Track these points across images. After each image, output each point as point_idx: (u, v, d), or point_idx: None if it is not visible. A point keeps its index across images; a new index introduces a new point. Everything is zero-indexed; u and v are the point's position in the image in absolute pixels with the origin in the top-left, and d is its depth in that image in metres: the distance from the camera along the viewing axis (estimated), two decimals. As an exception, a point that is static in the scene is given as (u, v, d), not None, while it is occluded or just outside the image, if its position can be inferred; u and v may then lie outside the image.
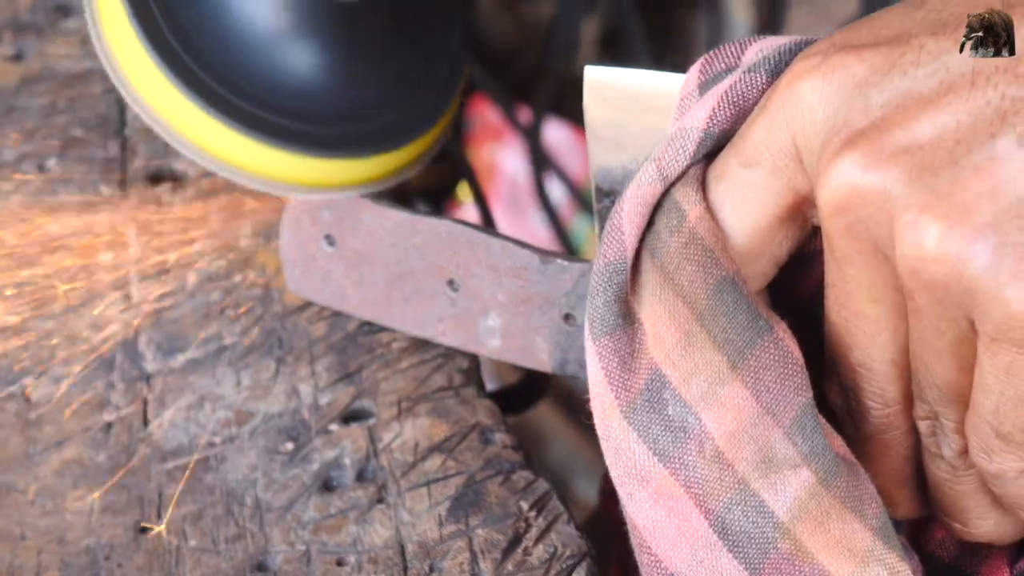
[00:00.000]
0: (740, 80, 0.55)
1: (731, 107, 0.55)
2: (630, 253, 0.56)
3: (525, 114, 1.60)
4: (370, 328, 0.73)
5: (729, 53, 0.58)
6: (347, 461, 0.69)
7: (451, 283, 0.69)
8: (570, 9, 1.25)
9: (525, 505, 0.67)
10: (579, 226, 1.70)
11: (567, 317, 0.67)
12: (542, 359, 0.69)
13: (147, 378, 0.72)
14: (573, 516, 0.67)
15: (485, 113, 1.82)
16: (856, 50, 0.52)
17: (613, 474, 0.57)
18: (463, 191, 1.60)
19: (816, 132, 0.52)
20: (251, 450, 0.69)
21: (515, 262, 0.67)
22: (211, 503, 0.67)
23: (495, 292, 0.68)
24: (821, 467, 0.54)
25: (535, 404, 0.76)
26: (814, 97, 0.52)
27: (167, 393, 0.71)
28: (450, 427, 0.70)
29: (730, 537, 0.55)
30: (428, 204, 1.16)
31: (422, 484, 0.68)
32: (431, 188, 1.15)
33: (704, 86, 0.57)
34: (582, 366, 0.67)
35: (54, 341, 0.73)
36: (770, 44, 0.57)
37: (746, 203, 0.55)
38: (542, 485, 0.68)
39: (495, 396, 0.72)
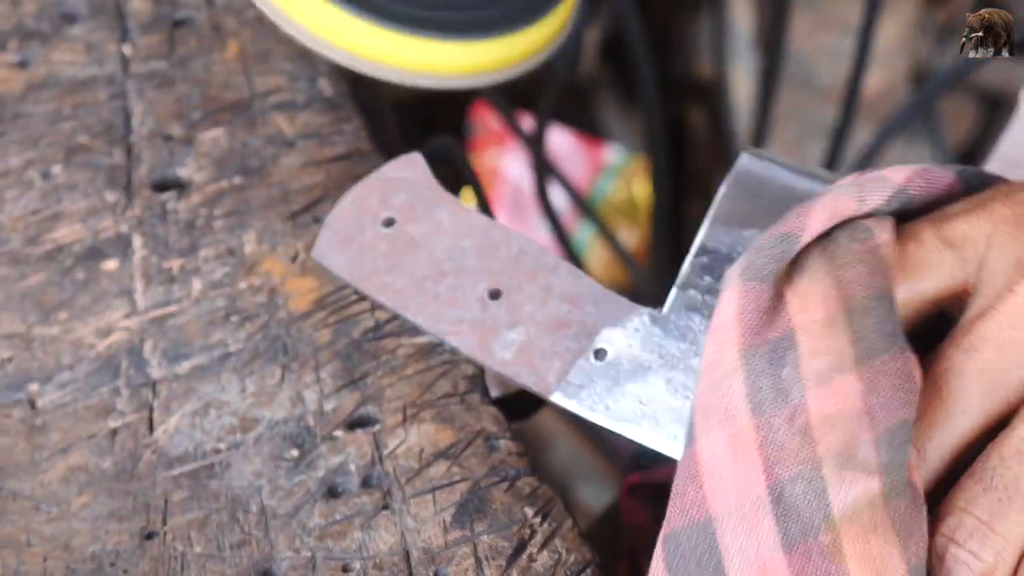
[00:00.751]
0: (929, 169, 0.59)
1: (925, 182, 0.59)
2: (807, 235, 0.58)
3: (528, 121, 1.60)
4: (375, 334, 0.73)
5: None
6: (352, 467, 0.69)
7: (494, 293, 0.69)
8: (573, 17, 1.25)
9: (530, 512, 0.67)
10: (581, 233, 1.70)
11: (598, 352, 0.67)
12: (547, 382, 0.68)
13: (152, 385, 0.72)
14: (578, 523, 0.67)
15: (488, 119, 1.82)
16: None
17: (699, 404, 0.57)
18: (466, 196, 1.61)
19: (1002, 268, 0.56)
20: (256, 457, 0.69)
21: (573, 289, 0.67)
22: (216, 509, 0.67)
23: (535, 311, 0.68)
24: (890, 482, 0.54)
25: (537, 412, 0.76)
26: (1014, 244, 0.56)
27: (172, 400, 0.71)
28: (455, 433, 0.70)
29: (781, 506, 0.55)
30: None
31: (427, 490, 0.68)
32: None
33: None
34: (591, 400, 0.68)
35: (59, 348, 0.73)
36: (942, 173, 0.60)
37: (925, 270, 0.57)
38: (547, 492, 0.68)
39: (499, 403, 0.72)
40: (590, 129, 1.87)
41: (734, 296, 0.57)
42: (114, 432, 0.70)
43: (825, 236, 0.59)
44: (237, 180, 0.80)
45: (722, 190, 0.63)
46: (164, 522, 0.67)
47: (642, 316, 0.66)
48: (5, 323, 0.74)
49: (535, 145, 1.32)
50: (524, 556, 0.65)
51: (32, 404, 0.71)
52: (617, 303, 0.67)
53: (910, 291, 0.58)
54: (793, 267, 0.58)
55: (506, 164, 1.77)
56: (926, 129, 1.84)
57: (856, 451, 0.55)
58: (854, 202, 0.58)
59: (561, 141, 1.78)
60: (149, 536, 0.66)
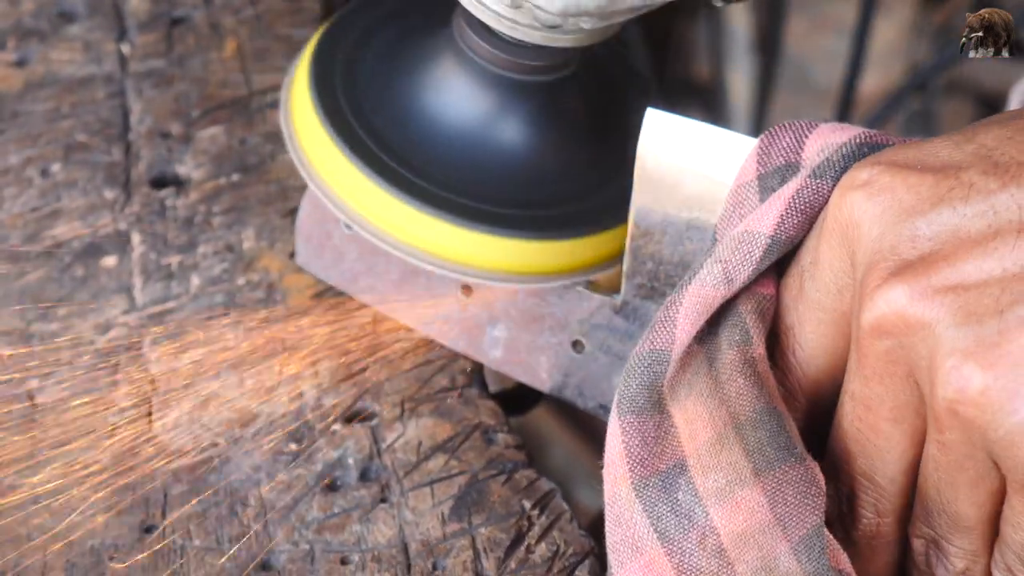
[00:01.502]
0: (807, 187, 0.56)
1: (799, 215, 0.57)
2: (678, 348, 0.57)
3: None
4: (374, 329, 0.74)
5: (786, 145, 0.59)
6: (351, 461, 0.69)
7: (466, 288, 0.70)
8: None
9: (528, 504, 0.67)
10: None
11: (575, 344, 0.68)
12: (541, 377, 0.70)
13: (152, 380, 0.72)
14: (576, 515, 0.67)
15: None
16: (903, 174, 0.53)
17: (609, 541, 0.57)
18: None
19: (863, 250, 0.53)
20: (255, 451, 0.69)
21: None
22: (215, 503, 0.68)
23: (508, 306, 0.69)
24: None
25: (536, 404, 0.76)
26: (861, 215, 0.53)
27: (171, 395, 0.72)
28: (453, 427, 0.70)
29: None
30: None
31: (425, 483, 0.68)
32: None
33: (763, 179, 0.59)
34: (580, 392, 0.69)
35: (59, 344, 0.73)
36: (832, 142, 0.57)
37: (822, 326, 0.56)
38: (545, 484, 0.68)
39: (497, 397, 0.73)
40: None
41: (616, 431, 0.57)
42: (113, 427, 0.70)
43: (706, 332, 0.57)
44: (235, 177, 0.81)
45: (639, 160, 0.62)
46: (163, 516, 0.67)
47: (604, 308, 0.67)
48: (5, 320, 0.74)
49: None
50: (522, 547, 0.65)
51: (31, 399, 0.72)
52: (578, 295, 0.67)
53: (830, 355, 0.57)
54: (678, 377, 0.57)
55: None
56: (925, 132, 1.84)
57: (776, 564, 0.55)
58: (722, 288, 0.57)
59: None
60: (148, 530, 0.67)
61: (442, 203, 0.66)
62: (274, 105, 0.84)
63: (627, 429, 0.57)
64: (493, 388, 0.74)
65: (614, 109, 0.73)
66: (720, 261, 0.57)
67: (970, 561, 0.55)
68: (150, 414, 0.71)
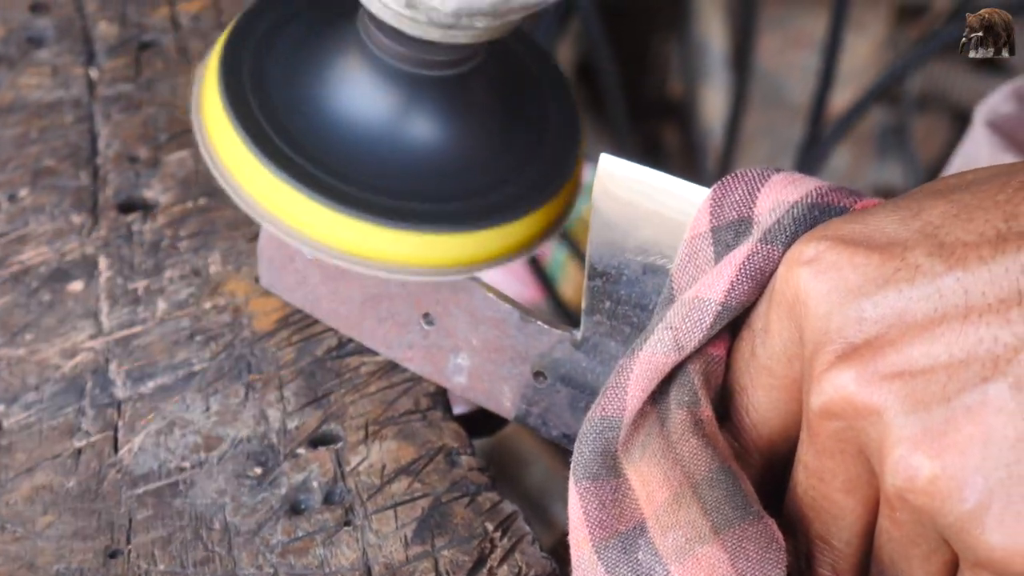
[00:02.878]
0: (757, 252, 0.57)
1: (749, 280, 0.57)
2: (628, 415, 0.58)
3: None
4: (339, 352, 0.74)
5: (739, 199, 0.59)
6: (315, 484, 0.69)
7: (426, 316, 0.70)
8: (542, 39, 1.27)
9: (490, 526, 0.68)
10: (556, 253, 1.71)
11: (537, 375, 0.68)
12: (505, 406, 0.70)
13: (117, 404, 0.73)
14: (538, 537, 0.67)
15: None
16: (849, 252, 0.53)
17: None
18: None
19: (810, 328, 0.53)
20: (220, 475, 0.70)
21: (495, 313, 0.68)
22: (180, 527, 0.68)
23: (469, 335, 0.69)
24: None
25: (502, 428, 0.76)
26: (808, 292, 0.53)
27: (137, 419, 0.72)
28: (417, 450, 0.71)
29: None
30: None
31: (389, 506, 0.68)
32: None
33: (716, 232, 0.59)
34: (544, 421, 0.69)
35: (25, 368, 0.74)
36: (783, 201, 0.58)
37: (774, 391, 0.57)
38: (507, 507, 0.69)
39: (462, 419, 0.73)
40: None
41: (575, 496, 0.58)
42: (79, 452, 0.71)
43: (657, 392, 0.58)
44: (202, 201, 0.81)
45: (594, 204, 0.63)
46: (128, 540, 0.67)
47: (564, 343, 0.67)
48: (-29, 345, 0.75)
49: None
50: (484, 570, 0.66)
51: (-2, 425, 0.72)
52: (537, 328, 0.68)
53: (783, 419, 0.57)
54: (631, 439, 0.58)
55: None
56: (898, 147, 1.85)
57: None
58: (672, 354, 0.57)
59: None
60: (113, 555, 0.67)
61: (346, 198, 0.67)
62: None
63: (584, 495, 0.58)
64: (459, 410, 0.74)
65: (525, 99, 0.73)
66: (671, 328, 0.58)
67: None
68: (116, 438, 0.71)
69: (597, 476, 0.58)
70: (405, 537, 0.67)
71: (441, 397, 0.73)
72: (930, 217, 0.52)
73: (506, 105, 0.72)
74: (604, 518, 0.57)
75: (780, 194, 0.58)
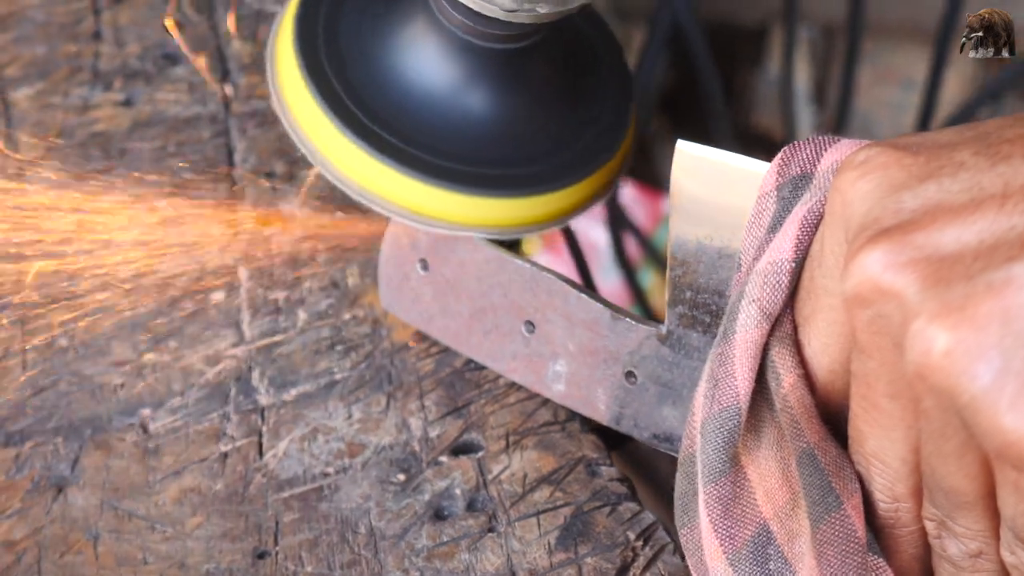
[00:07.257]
0: (819, 203, 0.57)
1: (813, 229, 0.57)
2: (744, 400, 0.58)
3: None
4: (477, 365, 0.75)
5: (804, 157, 0.59)
6: (458, 491, 0.71)
7: (528, 324, 0.72)
8: (648, 67, 1.28)
9: (632, 535, 0.69)
10: (643, 278, 1.72)
11: (628, 375, 0.70)
12: (600, 410, 0.71)
13: (261, 411, 0.74)
14: (680, 547, 0.68)
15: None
16: (898, 154, 0.53)
17: None
18: (530, 243, 1.63)
19: (853, 226, 0.53)
20: (364, 480, 0.71)
21: (587, 314, 0.70)
22: (326, 531, 0.69)
23: (566, 340, 0.71)
24: None
25: (628, 441, 0.77)
26: (854, 194, 0.53)
27: (281, 425, 0.74)
28: (557, 460, 0.72)
29: None
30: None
31: (532, 514, 0.69)
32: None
33: (781, 188, 0.59)
34: (636, 423, 0.70)
35: (170, 374, 0.75)
36: (845, 154, 0.58)
37: (833, 312, 0.56)
38: (648, 516, 0.70)
39: (598, 431, 0.74)
40: (649, 179, 1.89)
41: (702, 505, 0.59)
42: (225, 456, 0.72)
43: (761, 373, 0.58)
44: (339, 215, 0.83)
45: (672, 190, 0.64)
46: (276, 542, 0.69)
47: (651, 338, 0.68)
48: (117, 351, 0.77)
49: (610, 200, 1.34)
50: (628, 578, 0.67)
51: (144, 428, 0.74)
52: (626, 325, 0.69)
53: (841, 364, 0.57)
54: (748, 425, 0.58)
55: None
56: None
57: None
58: (764, 324, 0.57)
59: (623, 192, 1.80)
60: (261, 556, 0.68)
61: (409, 159, 0.71)
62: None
63: (709, 501, 0.59)
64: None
65: (583, 72, 0.77)
66: (755, 300, 0.58)
67: (982, 542, 0.54)
68: (260, 444, 0.73)
69: (720, 475, 0.58)
70: (549, 544, 0.68)
71: (578, 409, 0.74)
72: (987, 127, 0.52)
73: (564, 77, 0.76)
74: (730, 525, 0.58)
75: (844, 152, 0.58)
